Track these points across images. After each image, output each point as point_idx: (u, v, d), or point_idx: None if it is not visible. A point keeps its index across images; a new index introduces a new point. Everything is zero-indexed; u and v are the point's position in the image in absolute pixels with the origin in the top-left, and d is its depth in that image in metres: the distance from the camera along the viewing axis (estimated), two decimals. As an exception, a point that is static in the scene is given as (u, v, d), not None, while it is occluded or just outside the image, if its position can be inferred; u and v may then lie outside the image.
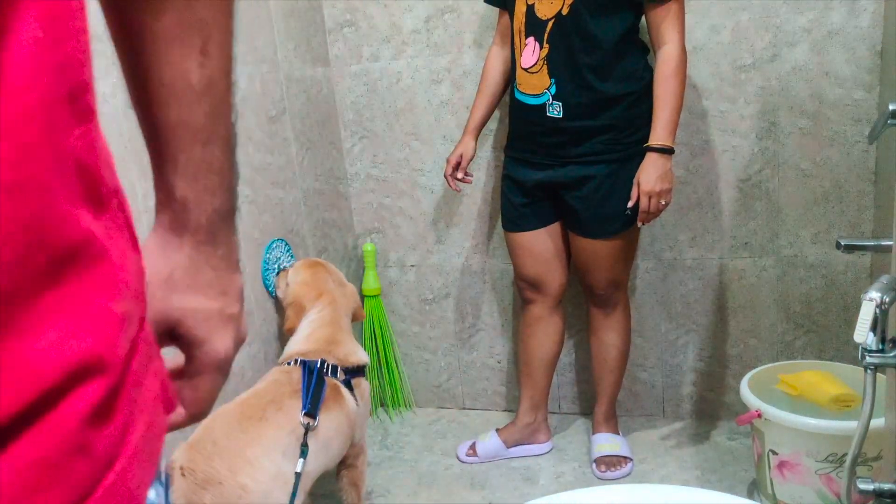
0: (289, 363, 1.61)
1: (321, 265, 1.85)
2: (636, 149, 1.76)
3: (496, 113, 2.10)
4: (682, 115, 2.01)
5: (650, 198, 1.72)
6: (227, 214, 0.52)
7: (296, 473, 1.38)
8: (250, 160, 1.86)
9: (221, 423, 1.40)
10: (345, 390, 1.62)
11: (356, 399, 1.65)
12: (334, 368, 1.62)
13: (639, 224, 1.79)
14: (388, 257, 2.45)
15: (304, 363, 1.58)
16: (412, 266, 2.43)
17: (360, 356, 1.72)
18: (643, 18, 1.77)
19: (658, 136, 1.72)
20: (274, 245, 1.93)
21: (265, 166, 1.92)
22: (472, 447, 2.15)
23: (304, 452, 1.41)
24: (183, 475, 1.29)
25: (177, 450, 1.36)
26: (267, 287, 1.89)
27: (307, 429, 1.44)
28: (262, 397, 1.48)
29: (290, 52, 2.07)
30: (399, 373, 2.48)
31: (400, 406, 2.50)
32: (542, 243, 1.98)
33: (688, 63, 1.96)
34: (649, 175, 1.72)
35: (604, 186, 1.80)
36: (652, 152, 1.72)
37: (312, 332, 1.70)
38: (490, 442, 2.14)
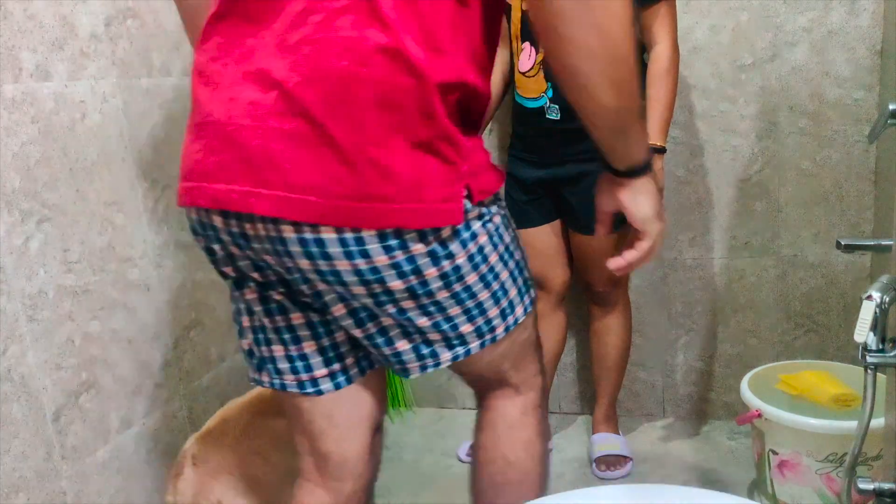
0: None
1: None
2: None
3: (496, 114, 2.10)
4: (682, 115, 2.02)
5: None
6: None
7: None
8: (250, 160, 1.85)
9: (233, 416, 1.41)
10: None
11: None
12: None
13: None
14: (389, 257, 2.44)
15: None
16: (412, 266, 2.43)
17: None
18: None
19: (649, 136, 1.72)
20: (274, 245, 1.92)
21: (265, 166, 1.92)
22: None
23: None
24: (194, 464, 1.30)
25: (189, 441, 1.36)
26: (267, 287, 1.89)
27: None
28: (274, 394, 1.49)
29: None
30: (399, 373, 2.47)
31: (400, 406, 2.50)
32: (544, 240, 1.98)
33: (689, 63, 1.96)
34: None
35: None
36: None
37: None
38: (490, 442, 2.13)
